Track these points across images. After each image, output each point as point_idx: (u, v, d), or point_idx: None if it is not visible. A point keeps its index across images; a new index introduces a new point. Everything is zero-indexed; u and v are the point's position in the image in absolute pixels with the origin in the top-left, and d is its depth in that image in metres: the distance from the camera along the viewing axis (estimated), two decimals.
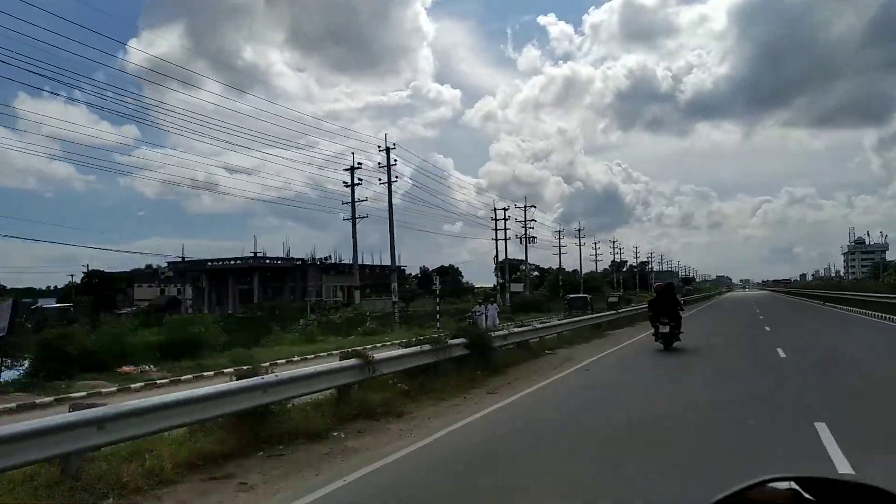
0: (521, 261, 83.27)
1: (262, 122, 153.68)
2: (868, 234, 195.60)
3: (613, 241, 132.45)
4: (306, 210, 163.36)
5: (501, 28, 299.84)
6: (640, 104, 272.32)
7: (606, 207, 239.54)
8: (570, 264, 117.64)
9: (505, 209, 71.52)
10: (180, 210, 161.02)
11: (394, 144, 48.51)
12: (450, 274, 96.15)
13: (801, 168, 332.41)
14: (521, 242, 73.59)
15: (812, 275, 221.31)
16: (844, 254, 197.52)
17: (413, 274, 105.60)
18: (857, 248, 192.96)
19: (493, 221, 70.99)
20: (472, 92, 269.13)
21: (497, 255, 71.45)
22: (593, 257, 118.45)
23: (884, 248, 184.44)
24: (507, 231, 71.68)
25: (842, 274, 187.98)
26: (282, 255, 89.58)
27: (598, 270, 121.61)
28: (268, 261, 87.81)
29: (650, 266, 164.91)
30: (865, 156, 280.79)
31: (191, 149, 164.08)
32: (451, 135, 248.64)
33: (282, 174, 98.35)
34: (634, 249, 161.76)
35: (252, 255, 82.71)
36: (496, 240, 70.66)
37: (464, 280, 64.49)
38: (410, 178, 61.58)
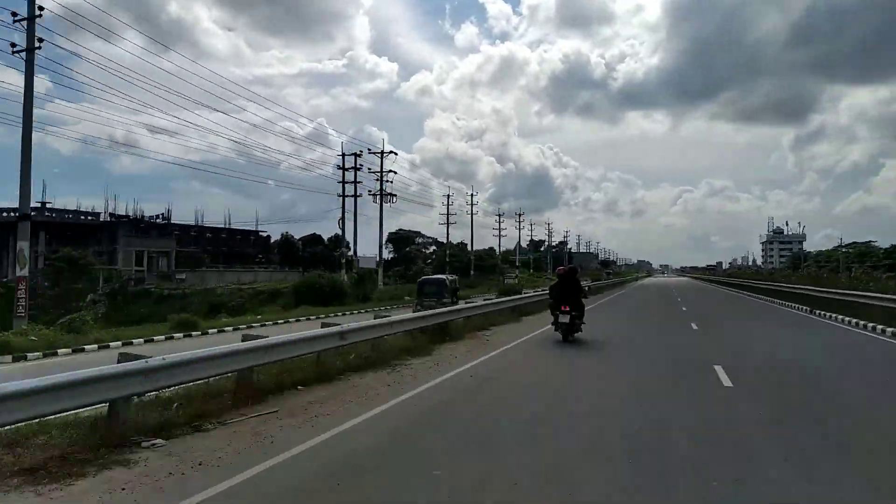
0: (417, 232, 76.56)
1: (188, 84, 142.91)
2: (787, 225, 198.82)
3: (531, 224, 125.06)
4: (232, 177, 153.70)
5: (440, 3, 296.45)
6: (573, 89, 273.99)
7: (537, 190, 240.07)
8: (493, 244, 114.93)
9: (356, 155, 52.44)
10: (98, 168, 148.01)
11: (392, 152, 55.48)
12: (330, 243, 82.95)
13: (723, 161, 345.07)
14: (374, 200, 54.88)
15: (729, 263, 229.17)
16: (763, 243, 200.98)
17: (274, 239, 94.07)
18: (776, 238, 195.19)
19: (342, 173, 52.48)
20: (409, 66, 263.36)
21: (343, 218, 51.69)
22: (523, 237, 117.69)
23: (801, 238, 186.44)
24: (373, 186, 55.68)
25: (759, 263, 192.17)
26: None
27: (511, 249, 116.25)
28: (52, 214, 69.78)
29: (568, 247, 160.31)
30: (782, 153, 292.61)
31: (109, 106, 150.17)
32: (387, 108, 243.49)
33: (206, 138, 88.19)
34: (564, 233, 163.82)
35: (38, 205, 63.34)
36: (343, 196, 51.78)
37: (350, 252, 55.31)
38: (339, 152, 52.52)
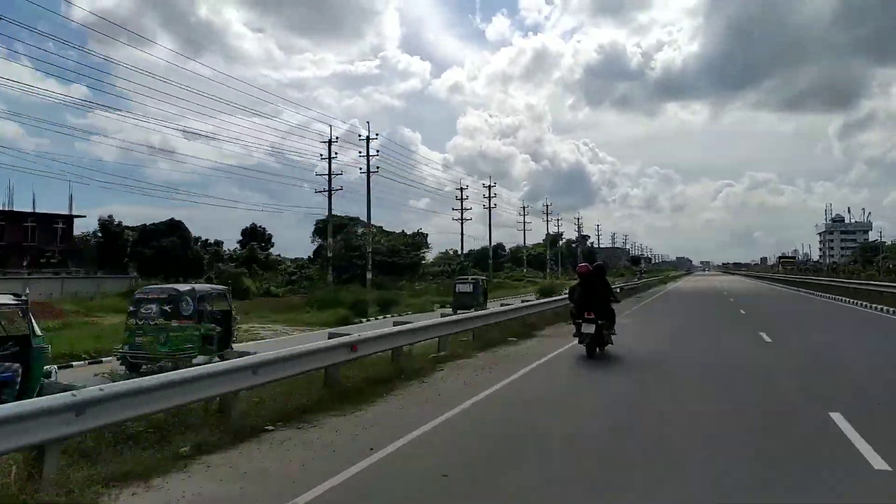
0: (356, 219, 67.25)
1: (222, 87, 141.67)
2: (849, 212, 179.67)
3: (558, 220, 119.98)
4: (268, 181, 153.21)
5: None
6: (609, 81, 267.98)
7: (573, 187, 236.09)
8: (534, 241, 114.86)
9: (330, 142, 50.32)
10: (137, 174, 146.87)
11: (376, 135, 51.37)
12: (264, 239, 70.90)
13: (766, 152, 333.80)
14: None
15: (776, 257, 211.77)
16: (821, 233, 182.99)
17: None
18: (836, 228, 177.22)
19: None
20: (440, 63, 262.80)
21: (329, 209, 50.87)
22: (549, 234, 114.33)
23: (866, 227, 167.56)
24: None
25: (818, 257, 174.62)
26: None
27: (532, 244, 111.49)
28: None
29: (591, 241, 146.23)
30: (829, 142, 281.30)
31: (144, 112, 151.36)
32: (419, 107, 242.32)
33: (242, 141, 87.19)
34: (596, 227, 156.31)
35: None
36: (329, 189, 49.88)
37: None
38: (378, 151, 51.35)
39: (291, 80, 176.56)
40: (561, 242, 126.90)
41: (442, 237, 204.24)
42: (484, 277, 34.51)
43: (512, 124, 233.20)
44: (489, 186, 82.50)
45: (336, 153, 49.83)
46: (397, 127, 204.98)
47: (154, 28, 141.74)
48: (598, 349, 14.37)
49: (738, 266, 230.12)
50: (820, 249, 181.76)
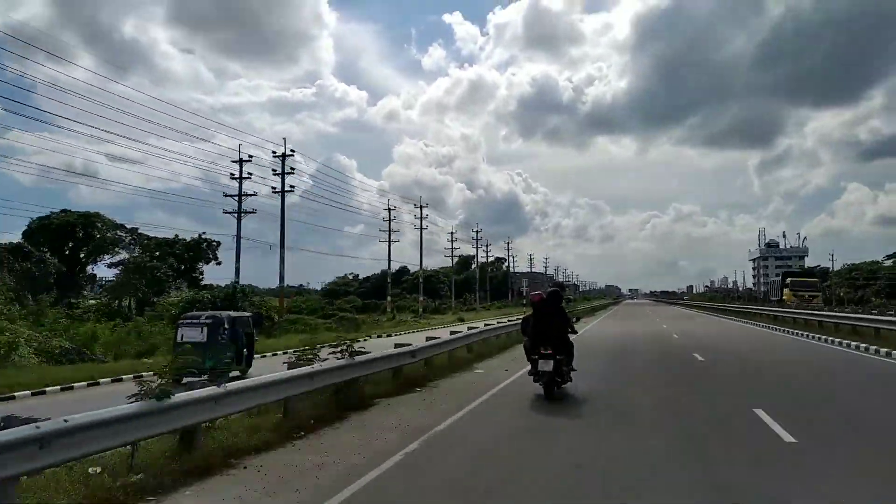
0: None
1: (150, 111, 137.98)
2: (784, 237, 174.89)
3: (486, 245, 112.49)
4: (196, 206, 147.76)
5: (406, 29, 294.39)
6: (541, 114, 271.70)
7: (507, 216, 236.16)
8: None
9: (241, 162, 46.74)
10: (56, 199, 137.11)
11: (292, 151, 48.18)
12: None
13: (690, 186, 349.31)
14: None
15: (706, 286, 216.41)
16: (754, 259, 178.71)
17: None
18: (770, 254, 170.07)
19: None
20: (375, 91, 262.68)
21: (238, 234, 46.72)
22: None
23: (802, 252, 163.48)
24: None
25: (751, 285, 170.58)
26: None
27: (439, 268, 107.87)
28: None
29: (508, 265, 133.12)
30: (748, 177, 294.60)
31: (62, 132, 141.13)
32: (355, 135, 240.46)
33: (168, 166, 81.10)
34: (529, 258, 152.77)
35: None
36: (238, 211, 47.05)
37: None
38: (293, 169, 48.93)
39: (225, 105, 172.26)
40: (473, 266, 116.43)
41: (377, 263, 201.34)
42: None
43: (448, 154, 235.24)
44: (420, 207, 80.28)
45: (250, 174, 46.84)
46: (333, 154, 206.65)
47: (74, 46, 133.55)
48: (556, 388, 12.98)
49: (665, 294, 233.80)
50: (754, 276, 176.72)
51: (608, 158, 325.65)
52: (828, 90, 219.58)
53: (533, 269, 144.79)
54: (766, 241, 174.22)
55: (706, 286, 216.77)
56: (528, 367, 13.66)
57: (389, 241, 71.26)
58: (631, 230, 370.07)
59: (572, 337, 13.81)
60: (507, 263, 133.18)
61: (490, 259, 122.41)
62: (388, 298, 68.90)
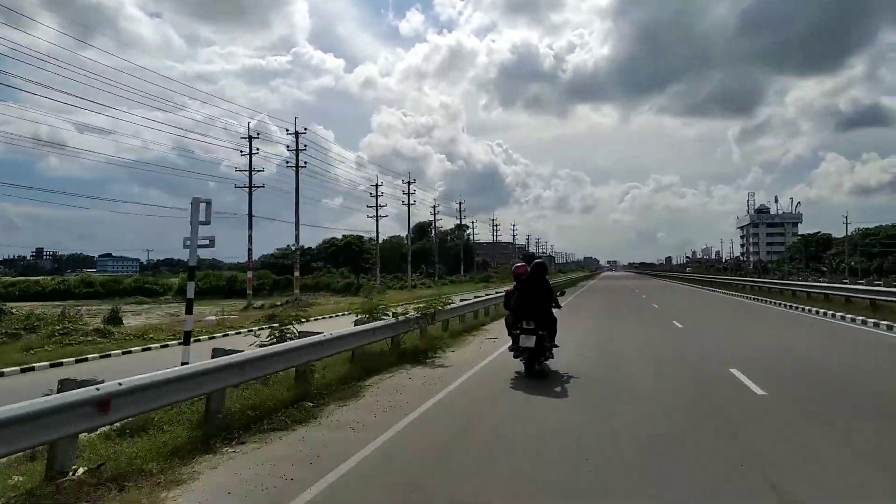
0: None
1: (120, 76, 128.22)
2: (776, 202, 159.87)
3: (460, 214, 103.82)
4: (174, 176, 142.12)
5: None
6: (523, 82, 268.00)
7: (488, 187, 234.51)
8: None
9: (250, 138, 48.62)
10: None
11: (305, 129, 49.24)
12: None
13: (671, 156, 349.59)
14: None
15: (687, 257, 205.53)
16: (743, 227, 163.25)
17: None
18: (761, 220, 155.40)
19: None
20: (352, 58, 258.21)
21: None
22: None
23: (796, 219, 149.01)
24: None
25: (740, 255, 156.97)
26: None
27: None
28: None
29: (470, 235, 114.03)
30: (728, 147, 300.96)
31: (26, 101, 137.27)
32: (332, 104, 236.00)
33: (141, 135, 78.42)
34: (512, 228, 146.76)
35: None
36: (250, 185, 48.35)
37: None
38: (287, 147, 49.66)
39: (198, 73, 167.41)
40: (431, 232, 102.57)
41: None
42: None
43: (427, 123, 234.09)
44: (408, 182, 74.97)
45: (258, 149, 48.48)
46: (309, 123, 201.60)
47: (35, 7, 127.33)
48: (538, 364, 12.28)
49: (644, 266, 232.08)
50: (742, 246, 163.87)
51: (589, 128, 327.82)
52: (810, 58, 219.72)
53: (498, 239, 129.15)
54: (756, 206, 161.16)
55: (688, 257, 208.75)
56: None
57: (377, 216, 66.37)
58: (611, 202, 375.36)
59: (557, 311, 13.36)
60: (469, 232, 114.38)
61: (450, 228, 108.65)
62: (296, 274, 50.71)
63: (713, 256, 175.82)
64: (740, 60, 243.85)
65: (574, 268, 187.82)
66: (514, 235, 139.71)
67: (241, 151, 48.57)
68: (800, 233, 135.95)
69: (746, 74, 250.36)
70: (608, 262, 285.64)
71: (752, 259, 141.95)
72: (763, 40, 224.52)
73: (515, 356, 12.57)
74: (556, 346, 13.07)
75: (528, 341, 12.07)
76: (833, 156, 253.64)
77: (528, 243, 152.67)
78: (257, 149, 48.57)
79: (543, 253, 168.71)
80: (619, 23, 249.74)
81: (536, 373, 12.09)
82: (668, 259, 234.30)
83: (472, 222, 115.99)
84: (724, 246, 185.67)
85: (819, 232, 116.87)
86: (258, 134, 48.86)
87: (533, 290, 12.79)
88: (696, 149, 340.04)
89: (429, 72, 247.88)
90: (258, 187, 48.66)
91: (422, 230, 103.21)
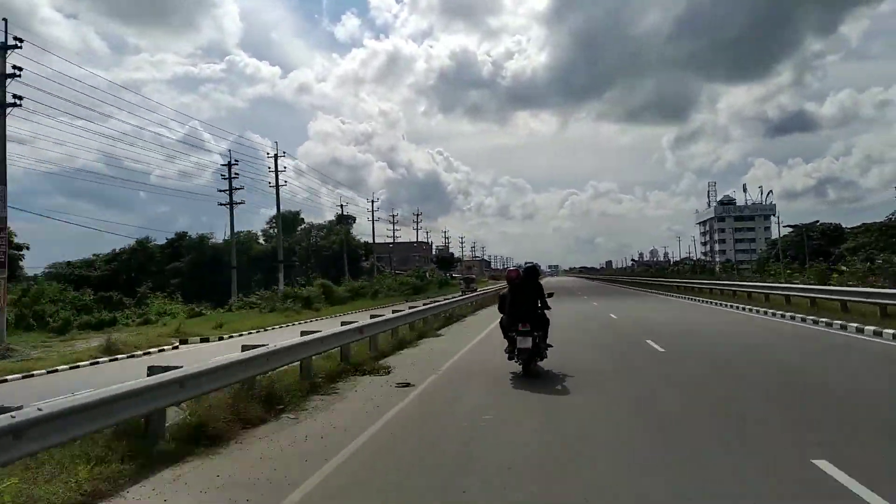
0: None
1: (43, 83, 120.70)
2: (745, 192, 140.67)
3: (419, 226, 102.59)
4: (103, 187, 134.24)
5: None
6: (462, 88, 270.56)
7: (430, 195, 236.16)
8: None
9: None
10: None
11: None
12: None
13: (608, 162, 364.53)
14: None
15: (633, 260, 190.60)
16: (703, 222, 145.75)
17: None
18: (727, 213, 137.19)
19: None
20: (288, 65, 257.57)
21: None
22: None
23: (768, 211, 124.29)
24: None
25: (702, 255, 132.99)
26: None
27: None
28: None
29: (355, 233, 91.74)
30: (662, 153, 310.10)
31: None
32: (267, 111, 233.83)
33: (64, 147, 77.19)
34: (460, 240, 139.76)
35: None
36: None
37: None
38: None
39: (125, 80, 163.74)
40: (300, 228, 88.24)
41: None
42: None
43: (365, 131, 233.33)
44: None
45: (235, 164, 50.76)
46: (244, 132, 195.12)
47: None
48: (534, 364, 13.00)
49: (586, 270, 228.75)
50: (704, 244, 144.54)
51: (528, 134, 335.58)
52: (740, 65, 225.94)
53: (396, 240, 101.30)
54: (719, 198, 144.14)
55: (633, 259, 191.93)
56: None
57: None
58: (551, 208, 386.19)
59: (548, 312, 13.90)
60: (351, 226, 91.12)
61: (339, 214, 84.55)
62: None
63: (662, 258, 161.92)
64: (673, 67, 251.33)
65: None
66: (420, 232, 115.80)
67: (223, 169, 51.14)
68: (777, 226, 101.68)
69: (679, 81, 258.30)
70: (549, 266, 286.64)
71: (717, 259, 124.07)
72: (694, 46, 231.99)
73: (510, 358, 13.16)
74: (551, 346, 13.76)
75: (525, 342, 12.70)
76: (761, 161, 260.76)
77: (428, 239, 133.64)
78: (236, 174, 51.46)
79: (477, 257, 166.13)
80: (555, 29, 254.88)
81: (534, 374, 12.75)
82: (609, 263, 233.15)
83: (446, 239, 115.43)
84: (683, 244, 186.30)
85: (817, 221, 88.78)
86: (237, 161, 51.70)
87: (526, 293, 13.50)
88: (632, 155, 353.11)
89: (366, 77, 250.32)
90: (239, 203, 52.33)
91: (294, 222, 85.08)
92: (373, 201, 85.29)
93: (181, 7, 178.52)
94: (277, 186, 55.25)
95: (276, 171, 55.25)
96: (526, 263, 17.35)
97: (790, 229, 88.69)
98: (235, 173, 52.12)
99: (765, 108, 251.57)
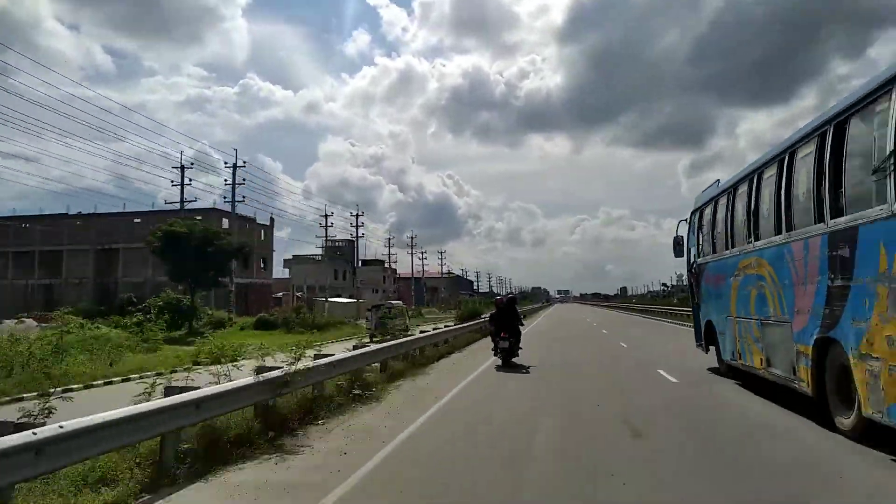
0: None
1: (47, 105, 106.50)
2: None
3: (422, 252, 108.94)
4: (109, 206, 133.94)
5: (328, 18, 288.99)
6: (473, 109, 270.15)
7: (440, 219, 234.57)
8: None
9: (183, 168, 51.91)
10: None
11: (244, 163, 52.06)
12: None
13: (621, 188, 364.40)
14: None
15: (663, 285, 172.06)
16: None
17: None
18: None
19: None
20: (298, 84, 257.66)
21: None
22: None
23: None
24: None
25: None
26: None
27: None
28: None
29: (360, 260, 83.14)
30: (677, 179, 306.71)
31: None
32: (276, 132, 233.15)
33: (66, 167, 77.08)
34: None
35: None
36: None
37: None
38: (225, 181, 52.92)
39: (137, 102, 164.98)
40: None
41: None
42: None
43: (375, 154, 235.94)
44: (357, 215, 72.77)
45: (190, 179, 51.30)
46: (256, 154, 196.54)
47: None
48: (510, 359, 19.65)
49: (598, 297, 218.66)
50: None
51: (541, 158, 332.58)
52: (762, 89, 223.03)
53: (367, 257, 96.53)
54: None
55: (664, 284, 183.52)
56: None
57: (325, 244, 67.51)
58: (561, 234, 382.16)
59: (521, 327, 21.22)
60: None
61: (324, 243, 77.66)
62: None
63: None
64: (692, 90, 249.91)
65: (520, 300, 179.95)
66: (441, 264, 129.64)
67: (172, 182, 51.16)
68: None
69: (697, 105, 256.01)
70: (558, 291, 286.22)
71: None
72: (711, 70, 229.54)
73: (495, 354, 20.17)
74: (521, 349, 20.63)
75: (504, 344, 19.77)
76: None
77: (463, 272, 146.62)
78: (189, 179, 51.20)
79: (447, 274, 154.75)
80: (571, 50, 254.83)
81: (510, 364, 19.37)
82: (623, 290, 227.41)
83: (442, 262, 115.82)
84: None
85: None
86: (192, 164, 52.34)
87: (507, 314, 20.81)
88: (646, 181, 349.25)
89: (376, 97, 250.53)
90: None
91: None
92: (357, 226, 77.93)
93: (184, 19, 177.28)
94: (234, 202, 54.78)
95: (234, 184, 54.33)
96: (508, 294, 27.40)
97: None
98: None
99: (787, 132, 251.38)
